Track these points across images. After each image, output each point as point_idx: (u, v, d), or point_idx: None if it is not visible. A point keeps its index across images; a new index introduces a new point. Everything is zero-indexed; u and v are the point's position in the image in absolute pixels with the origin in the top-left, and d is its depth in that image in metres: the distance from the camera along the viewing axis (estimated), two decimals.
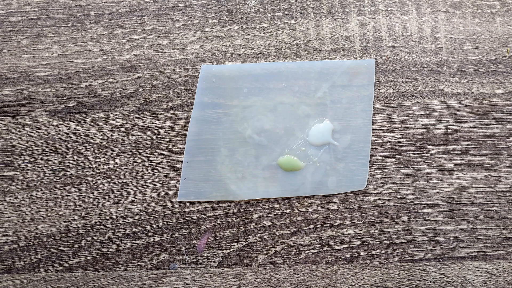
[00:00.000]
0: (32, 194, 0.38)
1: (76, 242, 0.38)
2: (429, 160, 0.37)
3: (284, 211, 0.37)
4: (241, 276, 0.38)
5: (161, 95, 0.37)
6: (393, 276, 0.37)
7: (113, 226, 0.38)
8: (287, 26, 0.37)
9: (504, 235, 0.37)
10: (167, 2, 0.37)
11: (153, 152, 0.37)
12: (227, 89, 0.37)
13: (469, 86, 0.37)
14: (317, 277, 0.37)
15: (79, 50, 0.37)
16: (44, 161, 0.38)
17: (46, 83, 0.37)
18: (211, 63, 0.37)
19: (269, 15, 0.37)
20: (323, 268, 0.37)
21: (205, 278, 0.37)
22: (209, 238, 0.37)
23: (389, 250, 0.37)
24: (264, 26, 0.37)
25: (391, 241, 0.37)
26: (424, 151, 0.37)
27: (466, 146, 0.37)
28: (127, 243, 0.38)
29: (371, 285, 0.37)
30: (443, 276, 0.37)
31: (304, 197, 0.37)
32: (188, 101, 0.37)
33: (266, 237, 0.38)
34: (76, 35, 0.37)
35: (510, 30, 0.37)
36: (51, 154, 0.38)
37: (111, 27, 0.37)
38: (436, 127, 0.37)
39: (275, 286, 0.37)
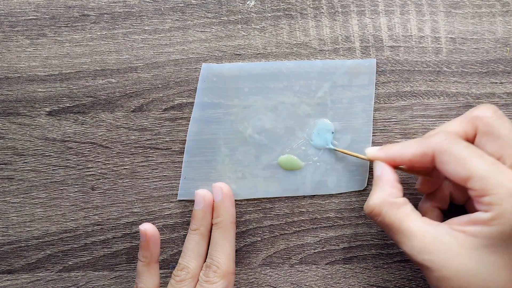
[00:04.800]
0: (32, 194, 0.38)
1: (76, 242, 0.38)
2: None
3: (284, 211, 0.37)
4: (241, 276, 0.38)
5: (161, 95, 0.37)
6: (393, 276, 0.37)
7: (113, 226, 0.38)
8: (287, 26, 0.37)
9: None
10: (167, 2, 0.37)
11: (153, 152, 0.37)
12: (227, 89, 0.37)
13: (469, 86, 0.37)
14: (317, 277, 0.37)
15: (79, 50, 0.37)
16: (44, 161, 0.38)
17: (46, 83, 0.37)
18: (211, 63, 0.37)
19: (269, 15, 0.37)
20: (323, 268, 0.37)
21: None
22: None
23: (389, 250, 0.37)
24: (264, 26, 0.37)
25: (391, 241, 0.37)
26: None
27: None
28: (127, 243, 0.38)
29: (371, 285, 0.37)
30: None
31: (304, 197, 0.37)
32: (188, 101, 0.37)
33: (266, 237, 0.38)
34: (76, 35, 0.37)
35: (510, 30, 0.37)
36: (51, 154, 0.38)
37: (111, 27, 0.37)
38: (436, 127, 0.37)
39: (275, 286, 0.37)
